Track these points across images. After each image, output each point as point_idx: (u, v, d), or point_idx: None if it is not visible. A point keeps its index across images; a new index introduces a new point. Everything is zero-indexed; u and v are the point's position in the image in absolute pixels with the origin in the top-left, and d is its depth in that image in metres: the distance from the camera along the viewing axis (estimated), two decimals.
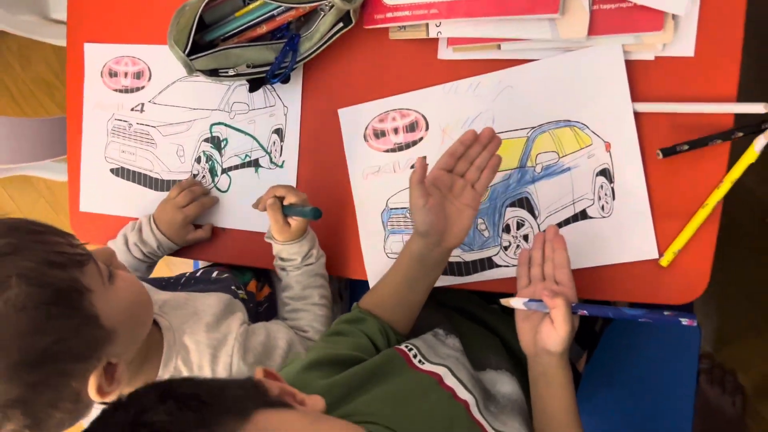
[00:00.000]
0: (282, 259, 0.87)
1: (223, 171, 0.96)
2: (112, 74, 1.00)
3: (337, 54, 0.87)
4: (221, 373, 0.74)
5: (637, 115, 0.76)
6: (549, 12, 0.74)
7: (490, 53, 0.81)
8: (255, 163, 0.94)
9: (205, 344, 0.74)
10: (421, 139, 0.85)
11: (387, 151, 0.87)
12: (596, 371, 1.01)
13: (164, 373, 0.71)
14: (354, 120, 0.88)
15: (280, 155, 0.92)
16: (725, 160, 0.75)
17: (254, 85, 0.88)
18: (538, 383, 0.73)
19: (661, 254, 0.76)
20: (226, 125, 0.95)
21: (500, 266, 0.82)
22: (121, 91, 1.00)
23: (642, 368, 1.02)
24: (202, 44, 0.86)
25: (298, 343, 0.82)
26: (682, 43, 0.74)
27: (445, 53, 0.83)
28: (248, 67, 0.85)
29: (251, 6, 0.84)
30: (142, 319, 0.68)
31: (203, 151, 0.97)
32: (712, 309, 1.33)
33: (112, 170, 1.01)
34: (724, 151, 0.75)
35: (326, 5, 0.79)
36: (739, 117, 0.74)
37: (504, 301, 0.74)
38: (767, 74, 1.15)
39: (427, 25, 0.81)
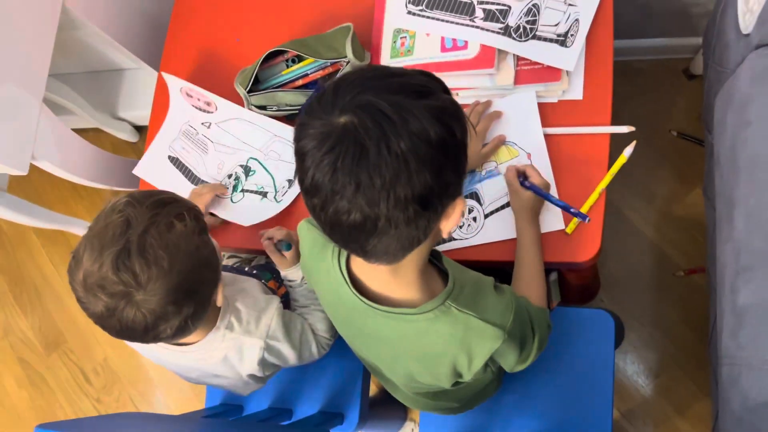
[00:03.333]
0: (288, 281, 1.17)
1: (242, 190, 1.28)
2: (189, 95, 1.34)
3: None
4: (261, 330, 1.01)
5: (547, 136, 1.14)
6: (488, 67, 1.15)
7: None
8: (264, 195, 1.26)
9: (253, 308, 1.02)
10: None
11: None
12: None
13: (221, 325, 0.98)
14: None
15: (282, 196, 1.25)
16: (606, 164, 1.11)
17: (290, 117, 1.26)
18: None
19: (566, 226, 1.09)
20: (258, 162, 1.29)
21: (457, 239, 1.14)
22: (196, 107, 1.33)
23: (563, 354, 1.26)
24: (257, 91, 1.25)
25: (309, 332, 1.10)
26: (575, 90, 1.15)
27: None
28: (286, 106, 1.25)
29: (293, 67, 1.26)
30: (221, 264, 0.97)
31: (235, 171, 1.29)
32: (644, 346, 1.60)
33: (169, 157, 1.33)
34: (604, 159, 1.11)
35: (345, 62, 1.20)
36: (613, 135, 1.12)
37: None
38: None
39: None
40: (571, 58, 1.14)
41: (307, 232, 0.92)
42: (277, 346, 1.03)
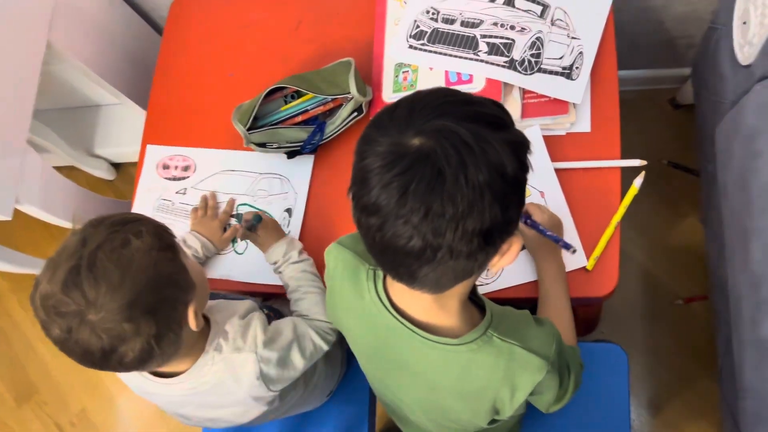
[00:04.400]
0: (273, 264, 1.13)
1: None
2: (165, 167, 1.32)
3: (347, 143, 1.23)
4: (249, 342, 0.95)
5: (558, 172, 1.12)
6: None
7: None
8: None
9: (238, 325, 0.97)
10: None
11: None
12: None
13: (209, 348, 0.92)
14: None
15: (288, 227, 1.21)
16: (618, 196, 1.10)
17: (291, 154, 1.22)
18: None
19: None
20: (248, 206, 1.25)
21: (479, 286, 1.10)
22: (169, 179, 1.30)
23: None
24: (255, 128, 1.21)
25: (301, 323, 1.04)
26: (582, 123, 1.14)
27: None
28: (287, 143, 1.21)
29: (292, 103, 1.22)
30: (205, 289, 0.91)
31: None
32: (644, 377, 1.58)
33: None
34: (617, 191, 1.10)
35: (348, 98, 1.17)
36: (624, 169, 1.11)
37: None
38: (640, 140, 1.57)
39: None
40: (577, 91, 1.13)
41: (338, 253, 0.88)
42: (271, 355, 0.96)
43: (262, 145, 1.21)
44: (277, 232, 1.15)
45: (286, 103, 1.23)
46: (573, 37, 1.16)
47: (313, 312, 1.07)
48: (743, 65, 1.15)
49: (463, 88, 1.16)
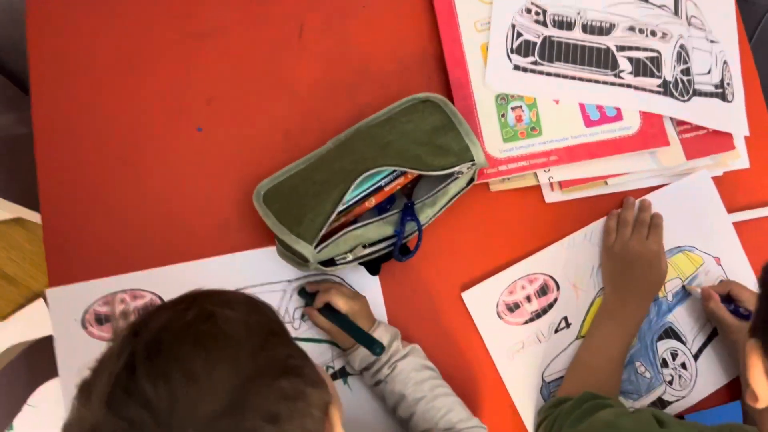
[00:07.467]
0: (367, 370, 0.70)
1: None
2: (99, 320, 0.70)
3: (448, 224, 0.76)
4: None
5: (735, 226, 0.83)
6: (662, 145, 0.78)
7: (599, 189, 0.80)
8: (342, 373, 0.73)
9: None
10: (555, 300, 0.77)
11: (526, 322, 0.76)
12: None
13: None
14: (481, 299, 0.75)
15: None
16: None
17: (374, 268, 0.71)
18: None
19: None
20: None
21: (671, 402, 0.77)
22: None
23: None
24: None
25: None
26: (741, 157, 0.86)
27: (552, 196, 0.79)
28: (364, 247, 0.69)
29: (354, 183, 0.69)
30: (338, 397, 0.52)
31: None
32: None
33: None
34: None
35: (467, 167, 0.69)
36: None
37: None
38: None
39: (535, 173, 0.78)
40: (739, 117, 0.85)
41: None
42: None
43: (328, 263, 0.67)
44: (368, 316, 0.71)
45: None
46: (712, 41, 0.86)
47: (460, 417, 0.68)
48: None
49: (614, 130, 0.78)
